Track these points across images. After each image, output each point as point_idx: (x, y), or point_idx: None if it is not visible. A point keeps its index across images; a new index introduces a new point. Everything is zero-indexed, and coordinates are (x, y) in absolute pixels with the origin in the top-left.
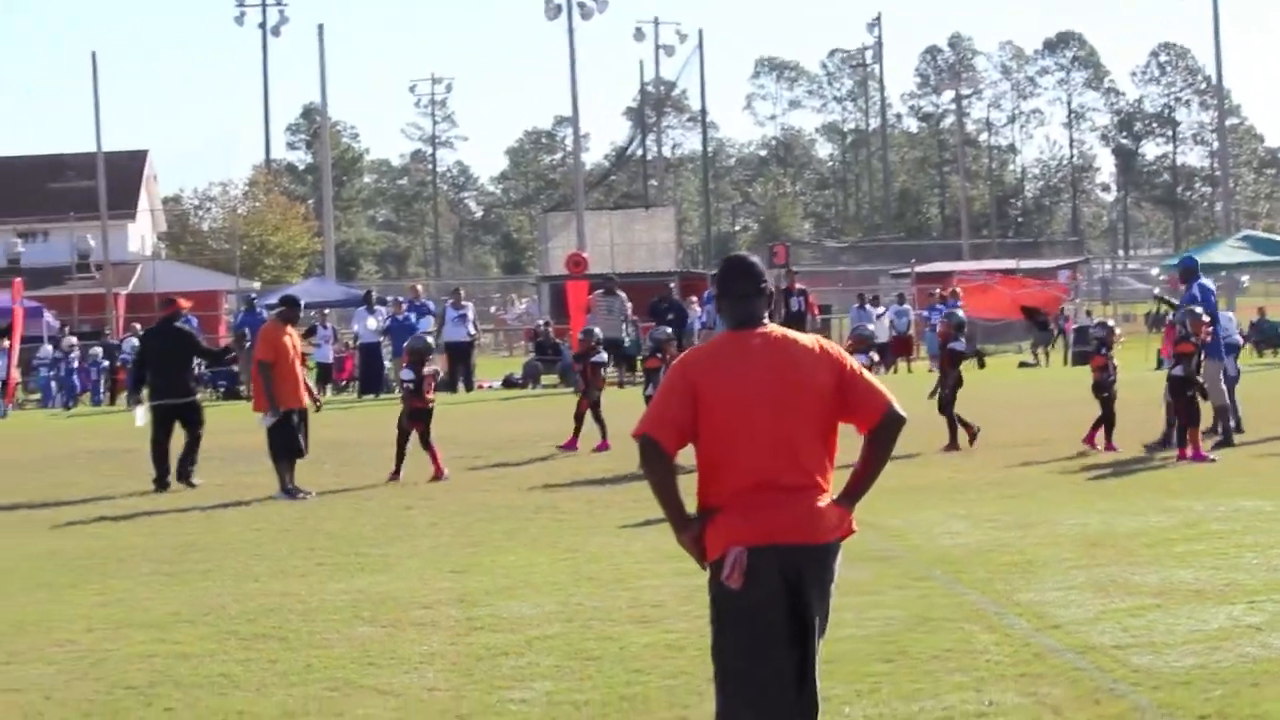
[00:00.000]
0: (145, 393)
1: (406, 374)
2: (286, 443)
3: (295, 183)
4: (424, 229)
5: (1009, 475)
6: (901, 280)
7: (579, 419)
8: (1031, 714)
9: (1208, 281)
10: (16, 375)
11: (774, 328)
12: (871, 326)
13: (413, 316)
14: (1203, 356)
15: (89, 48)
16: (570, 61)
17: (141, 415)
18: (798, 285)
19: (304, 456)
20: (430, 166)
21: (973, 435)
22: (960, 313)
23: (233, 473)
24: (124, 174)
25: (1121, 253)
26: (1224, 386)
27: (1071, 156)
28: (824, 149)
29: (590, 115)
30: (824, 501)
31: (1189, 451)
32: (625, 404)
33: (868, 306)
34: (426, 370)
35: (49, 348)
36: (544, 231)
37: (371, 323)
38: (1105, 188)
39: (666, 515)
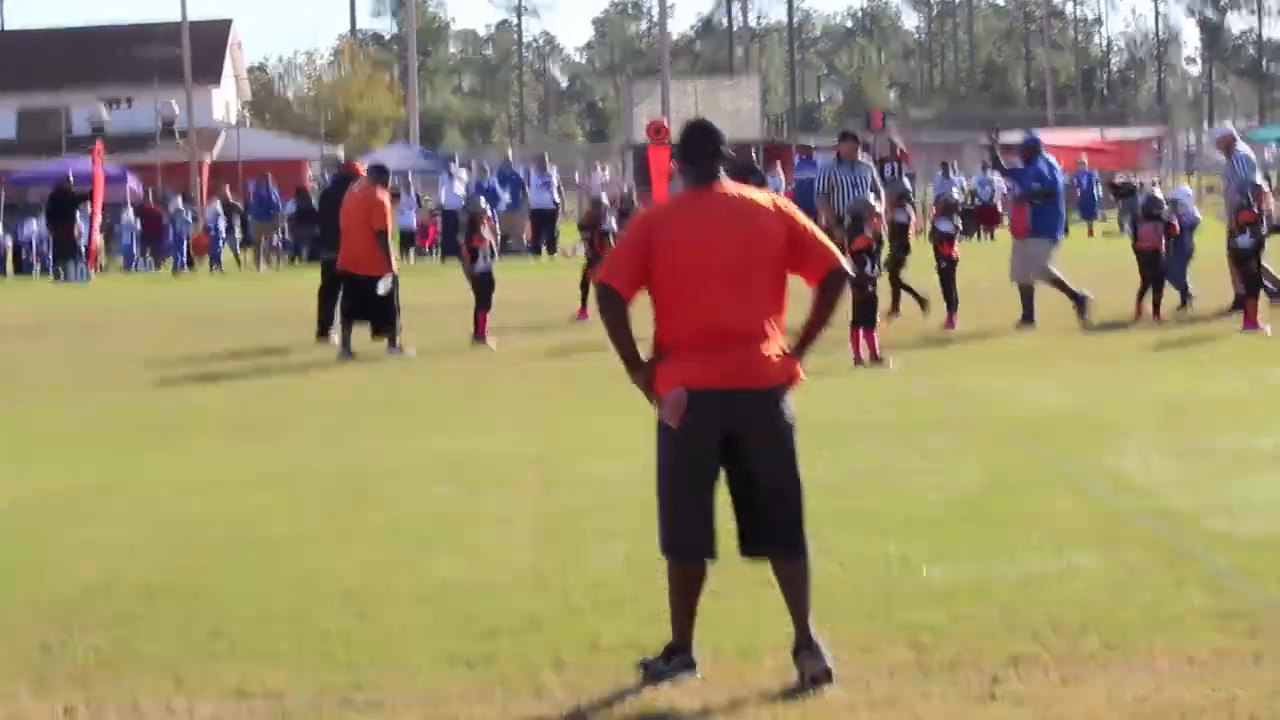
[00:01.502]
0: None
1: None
2: (394, 304)
3: (381, 52)
4: (509, 97)
5: (1089, 342)
6: (985, 150)
7: (585, 288)
8: (1109, 576)
9: (1051, 158)
10: (99, 240)
11: (729, 185)
12: (957, 193)
13: (496, 183)
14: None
15: None
16: None
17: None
18: (901, 149)
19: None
20: (516, 35)
21: (923, 304)
22: (956, 193)
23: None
24: (209, 41)
25: (1206, 125)
26: (1050, 267)
27: (1157, 29)
28: (910, 20)
29: None
30: (772, 348)
31: (1247, 321)
32: None
33: (952, 174)
34: (459, 238)
35: (130, 212)
36: (629, 100)
37: (457, 188)
38: (1190, 60)
39: (620, 356)
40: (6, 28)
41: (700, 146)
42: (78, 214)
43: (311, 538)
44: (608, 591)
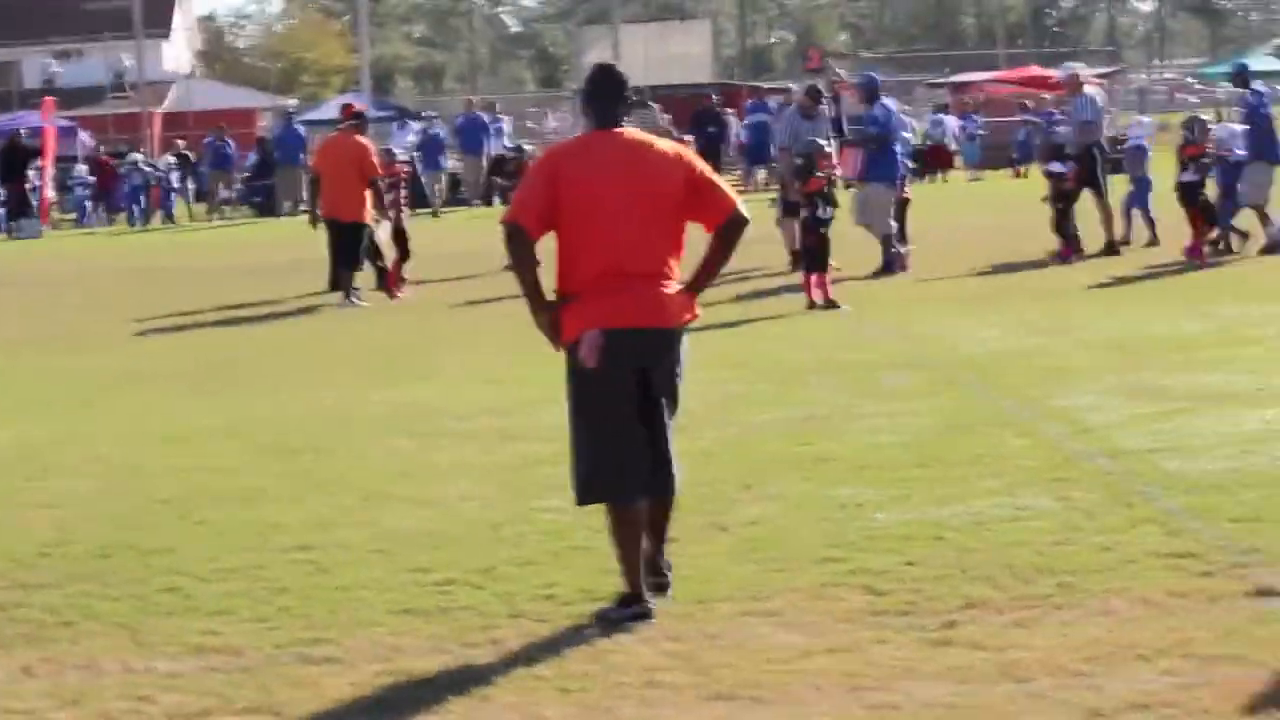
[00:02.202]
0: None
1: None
2: (363, 254)
3: (331, 0)
4: (460, 45)
5: (1039, 282)
6: (937, 90)
7: None
8: (1063, 518)
9: (890, 101)
10: (51, 195)
11: (633, 131)
12: (908, 135)
13: (441, 133)
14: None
15: None
16: None
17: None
18: (838, 86)
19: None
20: None
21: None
22: (907, 135)
23: (271, 289)
24: None
25: (1158, 61)
26: (889, 219)
27: None
28: None
29: None
30: (671, 289)
31: (1192, 249)
32: None
33: (904, 116)
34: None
35: (83, 168)
36: (579, 46)
37: (410, 138)
38: None
39: (526, 297)
40: None
41: (604, 90)
42: (30, 169)
43: (265, 491)
44: (562, 542)
